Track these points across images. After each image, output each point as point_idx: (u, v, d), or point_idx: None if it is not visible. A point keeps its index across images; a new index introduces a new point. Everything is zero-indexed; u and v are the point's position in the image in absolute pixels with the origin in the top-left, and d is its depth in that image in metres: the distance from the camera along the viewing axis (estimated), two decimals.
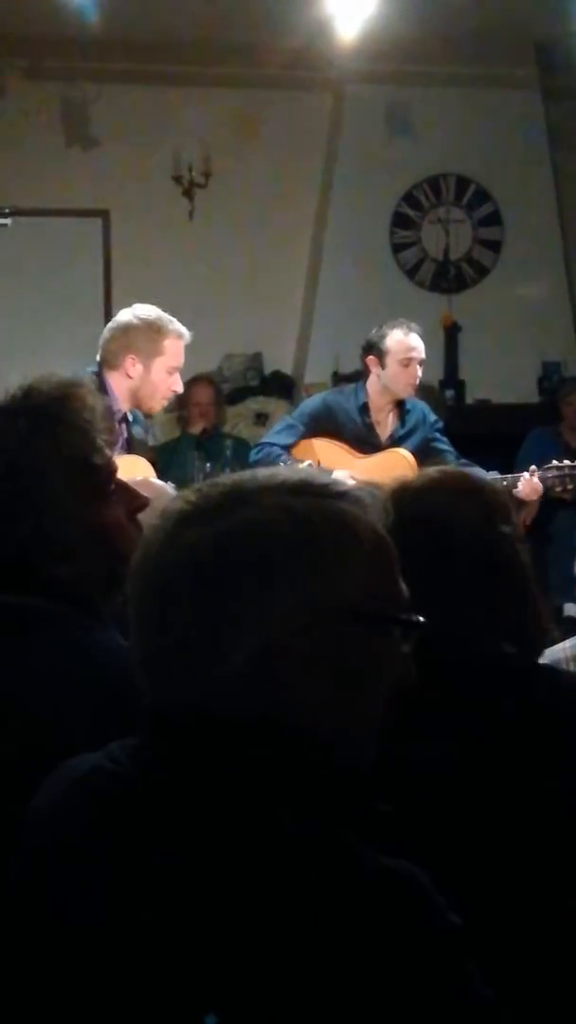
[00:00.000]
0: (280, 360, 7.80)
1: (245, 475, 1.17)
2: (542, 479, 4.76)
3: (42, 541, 1.56)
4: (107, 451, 1.65)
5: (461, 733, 1.53)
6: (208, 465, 5.59)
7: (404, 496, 1.66)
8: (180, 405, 6.90)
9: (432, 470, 1.78)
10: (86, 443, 1.61)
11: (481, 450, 5.74)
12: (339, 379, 7.15)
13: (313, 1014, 0.97)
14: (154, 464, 5.42)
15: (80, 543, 1.58)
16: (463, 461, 4.82)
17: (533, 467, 4.72)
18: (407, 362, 4.75)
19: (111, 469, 1.66)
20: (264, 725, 1.07)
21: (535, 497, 4.76)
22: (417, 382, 4.85)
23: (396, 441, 4.86)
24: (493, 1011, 1.04)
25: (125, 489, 1.69)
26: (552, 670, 1.84)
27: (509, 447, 6.59)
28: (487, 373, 7.64)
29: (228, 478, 1.17)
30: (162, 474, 5.12)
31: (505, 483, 4.64)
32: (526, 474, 4.68)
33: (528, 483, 4.66)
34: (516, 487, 4.65)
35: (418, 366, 4.79)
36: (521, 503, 4.81)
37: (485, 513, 1.68)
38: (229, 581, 1.08)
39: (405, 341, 4.75)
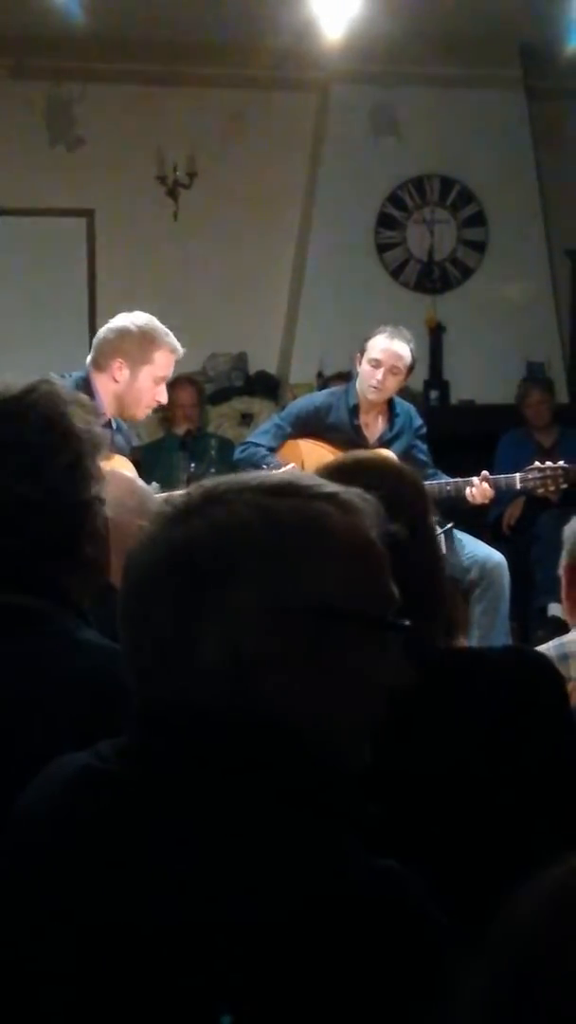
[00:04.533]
0: (265, 360, 7.80)
1: (230, 477, 1.18)
2: (523, 480, 4.77)
3: (58, 530, 1.58)
4: (99, 457, 1.68)
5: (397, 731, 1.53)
6: (193, 465, 5.59)
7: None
8: (163, 406, 6.91)
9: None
10: (90, 439, 1.64)
11: (465, 450, 5.76)
12: (324, 379, 7.16)
13: (311, 1012, 0.98)
14: (139, 465, 5.42)
15: (86, 534, 1.61)
16: (431, 471, 4.83)
17: (485, 473, 4.74)
18: (375, 363, 4.71)
19: (102, 474, 1.68)
20: (244, 724, 1.07)
21: (485, 501, 4.75)
22: (380, 387, 4.74)
23: (384, 444, 4.85)
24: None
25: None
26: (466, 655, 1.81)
27: (493, 447, 6.62)
28: (471, 373, 7.65)
29: (214, 480, 1.18)
30: (147, 475, 5.13)
31: (449, 488, 4.65)
32: (475, 479, 4.69)
33: (479, 488, 4.67)
34: (465, 492, 4.66)
35: (390, 375, 4.71)
36: (474, 507, 4.79)
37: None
38: (198, 580, 1.09)
39: (379, 341, 4.72)
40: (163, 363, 3.79)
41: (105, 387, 3.75)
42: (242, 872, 1.02)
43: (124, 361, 3.74)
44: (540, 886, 0.77)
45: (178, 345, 3.81)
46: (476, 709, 1.60)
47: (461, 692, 1.62)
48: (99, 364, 3.78)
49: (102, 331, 3.85)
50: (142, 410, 3.87)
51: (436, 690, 1.56)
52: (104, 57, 7.28)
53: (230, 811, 1.05)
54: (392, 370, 4.72)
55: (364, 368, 4.75)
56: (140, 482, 2.77)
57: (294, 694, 1.09)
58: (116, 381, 3.75)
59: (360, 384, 4.79)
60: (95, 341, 3.84)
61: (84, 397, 1.70)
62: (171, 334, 3.82)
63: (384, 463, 1.77)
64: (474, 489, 4.66)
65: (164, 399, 3.89)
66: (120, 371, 3.74)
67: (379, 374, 4.71)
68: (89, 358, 3.83)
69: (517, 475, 4.77)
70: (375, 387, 4.73)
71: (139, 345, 3.75)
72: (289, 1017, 0.98)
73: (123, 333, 3.78)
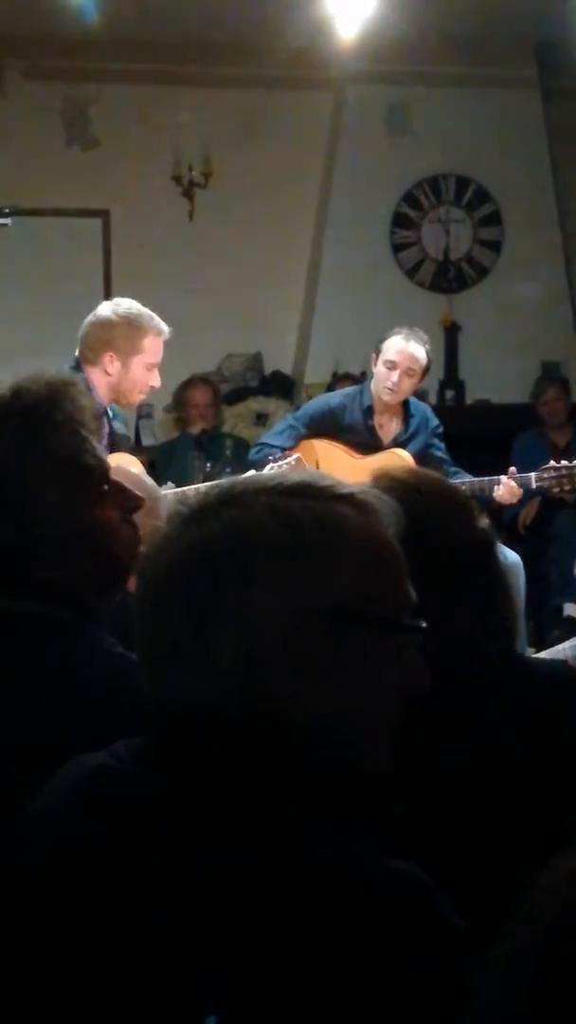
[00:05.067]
0: (280, 360, 7.80)
1: (246, 477, 1.18)
2: (539, 480, 4.76)
3: (32, 543, 1.55)
4: (99, 451, 1.63)
5: (460, 732, 1.53)
6: (208, 465, 5.60)
7: (413, 502, 1.65)
8: (178, 406, 6.92)
9: (403, 470, 1.78)
10: (77, 443, 1.59)
11: (481, 450, 5.75)
12: (339, 379, 7.15)
13: (315, 1014, 0.97)
14: (153, 464, 5.42)
15: (71, 544, 1.57)
16: (453, 470, 4.82)
17: (512, 469, 4.71)
18: (391, 365, 4.70)
19: (103, 469, 1.64)
20: (258, 725, 1.07)
21: (513, 500, 4.73)
22: (395, 389, 4.73)
23: (399, 444, 4.85)
24: None
25: (120, 489, 1.67)
26: (532, 662, 1.84)
27: (509, 447, 6.61)
28: (487, 373, 7.64)
29: (230, 480, 1.17)
30: (161, 474, 5.14)
31: (464, 487, 4.62)
32: (503, 477, 4.66)
33: (507, 486, 4.64)
34: (493, 490, 4.63)
35: (405, 376, 4.70)
36: (501, 506, 4.77)
37: (464, 511, 1.70)
38: (213, 582, 1.09)
39: (395, 343, 4.70)
40: (153, 349, 3.74)
41: (99, 380, 3.71)
42: (253, 873, 1.01)
43: (114, 354, 3.70)
44: (563, 864, 0.77)
45: (164, 327, 3.75)
46: (518, 716, 1.59)
47: (507, 698, 1.61)
48: (88, 358, 3.73)
49: (85, 324, 3.78)
50: (135, 396, 3.83)
51: (478, 695, 1.57)
52: (119, 58, 7.29)
53: (242, 812, 1.05)
54: (407, 372, 4.71)
55: (379, 370, 4.74)
56: (148, 479, 2.76)
57: (309, 695, 1.09)
58: (109, 374, 3.71)
59: (375, 386, 4.78)
60: (80, 335, 3.77)
61: (75, 390, 1.64)
62: (156, 316, 3.75)
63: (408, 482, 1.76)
64: (501, 488, 4.64)
65: (157, 383, 3.84)
66: (112, 364, 3.71)
67: (395, 376, 4.70)
68: (77, 351, 3.79)
69: (532, 474, 4.75)
70: (391, 389, 4.72)
71: (126, 335, 3.70)
72: (300, 1018, 0.98)
73: (108, 325, 3.73)
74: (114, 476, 1.69)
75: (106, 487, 1.64)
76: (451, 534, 1.65)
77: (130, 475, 2.40)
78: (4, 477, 1.56)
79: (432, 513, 1.63)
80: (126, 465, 2.75)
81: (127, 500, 1.67)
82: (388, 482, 1.65)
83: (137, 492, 1.70)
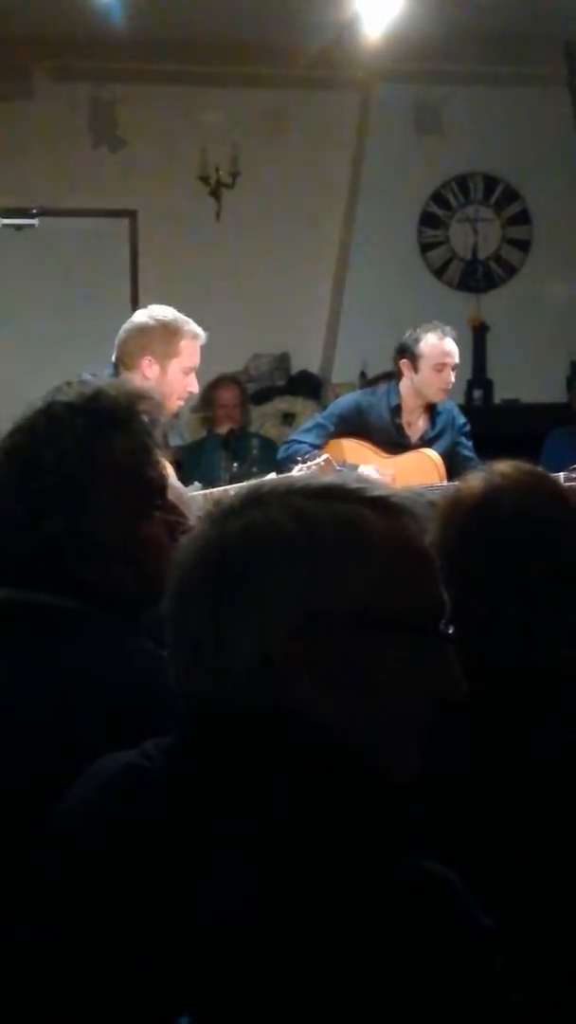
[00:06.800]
0: (307, 360, 7.80)
1: (278, 478, 1.18)
2: (568, 480, 4.73)
3: (74, 540, 1.56)
4: (161, 467, 1.64)
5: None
6: (235, 465, 5.59)
7: (500, 497, 1.65)
8: (206, 406, 6.92)
9: (517, 468, 1.78)
10: (141, 454, 1.61)
11: (509, 450, 5.70)
12: (366, 379, 7.14)
13: (328, 1016, 0.96)
14: (180, 464, 5.42)
15: (114, 550, 1.57)
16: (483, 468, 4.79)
17: (574, 469, 4.70)
18: (440, 367, 4.74)
19: (162, 485, 1.65)
20: (276, 725, 1.07)
21: None
22: (450, 387, 4.83)
23: (426, 443, 4.85)
24: (523, 1015, 1.03)
25: (173, 510, 1.67)
26: None
27: (538, 447, 6.57)
28: (516, 372, 7.62)
29: (260, 481, 1.18)
30: (189, 474, 5.14)
31: None
32: (561, 475, 4.65)
33: None
34: None
35: (451, 371, 4.78)
36: None
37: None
38: (229, 581, 1.09)
39: (440, 346, 4.73)
40: (190, 352, 3.76)
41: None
42: (270, 872, 1.01)
43: (152, 358, 3.72)
44: None
45: (200, 331, 3.77)
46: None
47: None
48: (126, 363, 3.75)
49: (123, 331, 3.81)
50: (174, 402, 3.84)
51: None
52: (146, 58, 7.30)
53: (262, 811, 1.04)
54: (454, 367, 4.77)
55: (426, 375, 4.75)
56: (176, 482, 2.75)
57: (325, 697, 1.08)
58: (147, 378, 3.73)
59: (426, 389, 4.79)
60: (118, 340, 3.81)
61: (152, 405, 1.67)
62: (191, 321, 3.77)
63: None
64: None
65: (195, 388, 3.85)
66: (150, 368, 3.72)
67: (448, 375, 4.77)
68: (114, 357, 3.80)
69: (561, 474, 4.73)
70: (445, 389, 4.78)
71: (163, 339, 3.72)
72: (321, 1017, 0.97)
73: (145, 330, 3.75)
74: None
75: (159, 503, 1.65)
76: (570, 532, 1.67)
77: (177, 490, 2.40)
78: (62, 470, 1.57)
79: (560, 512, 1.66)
80: None
81: (180, 523, 1.67)
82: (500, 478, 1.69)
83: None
